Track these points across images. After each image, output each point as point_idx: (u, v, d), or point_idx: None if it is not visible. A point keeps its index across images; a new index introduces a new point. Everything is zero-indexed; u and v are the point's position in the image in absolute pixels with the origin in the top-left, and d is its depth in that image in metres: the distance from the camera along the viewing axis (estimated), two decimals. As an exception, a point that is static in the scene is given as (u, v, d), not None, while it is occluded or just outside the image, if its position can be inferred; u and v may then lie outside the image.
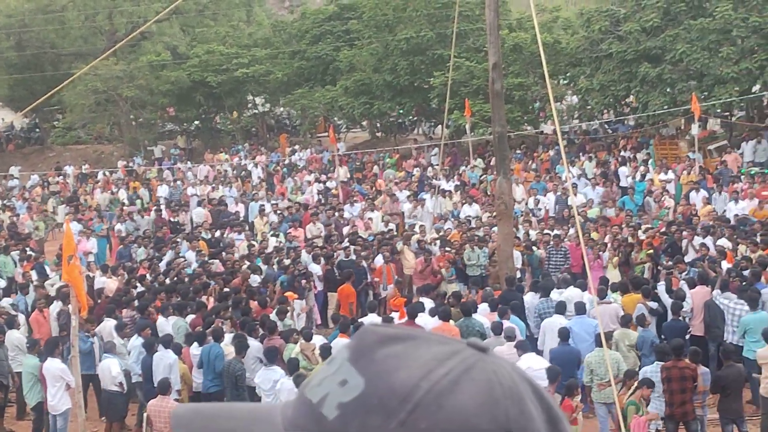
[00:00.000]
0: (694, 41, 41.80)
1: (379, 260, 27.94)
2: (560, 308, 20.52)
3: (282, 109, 65.48)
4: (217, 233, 33.81)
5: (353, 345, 1.48)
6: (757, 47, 41.05)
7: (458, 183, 40.93)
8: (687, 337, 19.99)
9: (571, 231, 28.24)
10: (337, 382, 1.42)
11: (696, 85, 41.99)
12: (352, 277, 26.14)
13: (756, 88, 43.85)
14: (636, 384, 16.54)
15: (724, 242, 26.35)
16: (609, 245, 26.97)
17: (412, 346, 1.44)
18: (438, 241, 29.96)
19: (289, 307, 23.00)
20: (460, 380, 1.39)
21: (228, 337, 19.97)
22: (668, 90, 42.92)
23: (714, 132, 48.01)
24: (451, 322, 19.66)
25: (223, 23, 66.68)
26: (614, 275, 25.23)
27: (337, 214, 35.34)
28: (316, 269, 27.48)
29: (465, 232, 30.45)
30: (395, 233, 32.22)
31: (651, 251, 26.43)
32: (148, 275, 27.07)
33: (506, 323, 19.27)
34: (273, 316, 21.84)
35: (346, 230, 33.19)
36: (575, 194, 32.80)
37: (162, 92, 59.30)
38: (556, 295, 21.92)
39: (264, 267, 27.45)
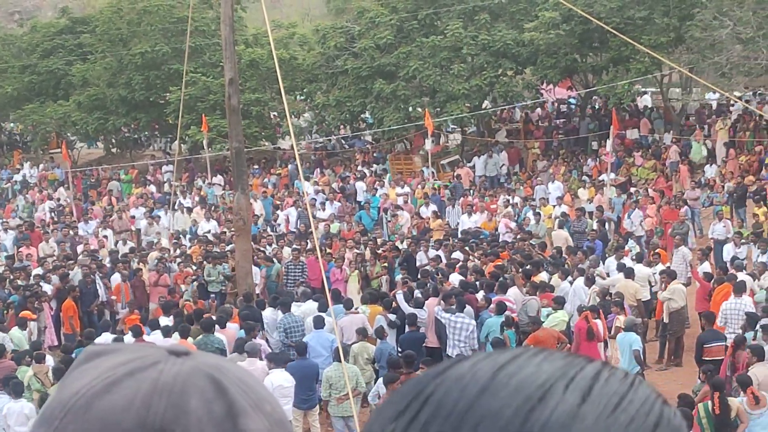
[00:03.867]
0: (426, 58, 42.88)
1: (116, 278, 27.40)
2: (318, 323, 20.34)
3: (12, 124, 63.37)
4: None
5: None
6: (487, 64, 42.49)
7: (197, 199, 40.64)
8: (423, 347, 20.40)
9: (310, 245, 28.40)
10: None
11: (429, 101, 43.11)
12: (74, 291, 25.67)
13: (486, 103, 45.40)
14: None
15: (457, 255, 27.06)
16: (348, 260, 27.27)
17: (107, 359, 1.43)
18: (178, 259, 29.57)
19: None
20: (120, 382, 1.38)
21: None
22: (402, 106, 43.84)
23: (447, 147, 49.31)
24: (190, 339, 19.44)
25: (-52, 36, 64.05)
26: (355, 288, 25.63)
27: (71, 232, 34.43)
28: (49, 288, 26.67)
29: (204, 248, 30.22)
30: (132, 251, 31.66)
31: (386, 264, 26.92)
32: None
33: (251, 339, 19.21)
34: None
35: (80, 248, 32.37)
36: (314, 209, 33.09)
37: None
38: (294, 308, 21.96)
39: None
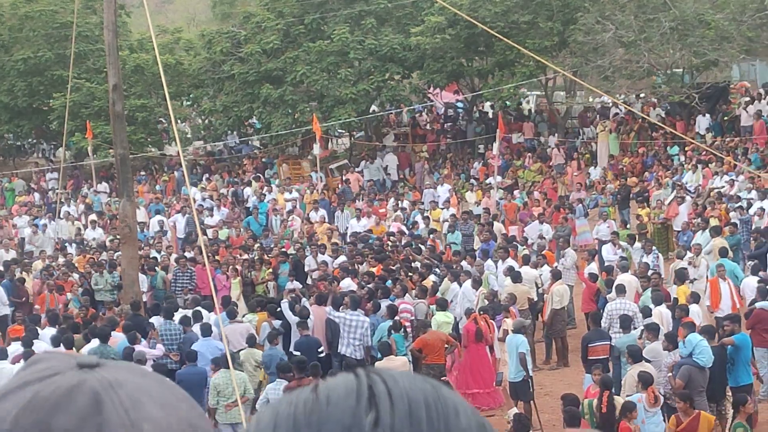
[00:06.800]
0: (313, 63, 42.87)
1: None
2: (205, 331, 20.17)
3: None
4: None
5: None
6: (374, 69, 42.66)
7: (82, 207, 40.06)
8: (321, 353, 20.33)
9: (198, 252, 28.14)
10: None
11: (317, 106, 43.08)
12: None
13: (373, 107, 45.54)
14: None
15: (344, 259, 27.08)
16: (232, 266, 27.05)
17: (31, 367, 1.39)
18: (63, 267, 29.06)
19: None
20: (12, 393, 1.34)
21: None
22: (290, 111, 43.76)
23: (335, 151, 49.34)
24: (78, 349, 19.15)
25: None
26: (235, 295, 25.49)
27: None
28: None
29: (91, 257, 29.79)
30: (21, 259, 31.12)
31: (271, 270, 26.80)
32: None
33: (138, 348, 19.00)
34: None
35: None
36: (202, 216, 32.88)
37: None
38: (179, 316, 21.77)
39: None
